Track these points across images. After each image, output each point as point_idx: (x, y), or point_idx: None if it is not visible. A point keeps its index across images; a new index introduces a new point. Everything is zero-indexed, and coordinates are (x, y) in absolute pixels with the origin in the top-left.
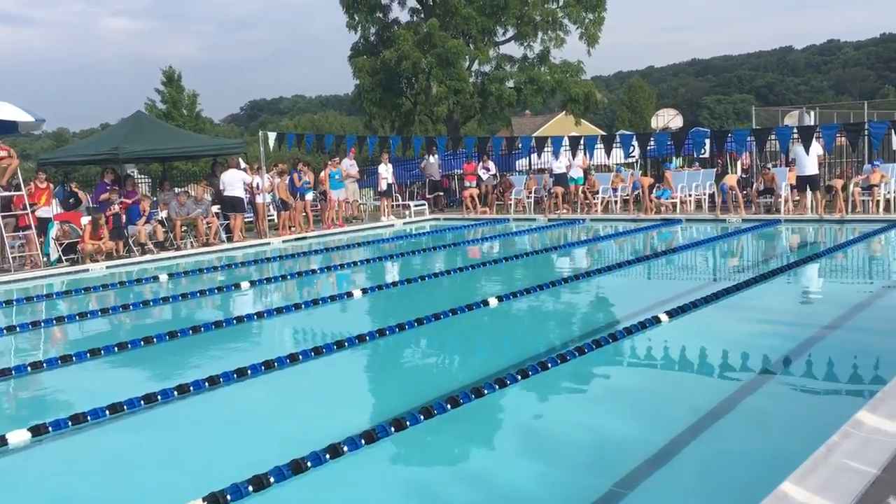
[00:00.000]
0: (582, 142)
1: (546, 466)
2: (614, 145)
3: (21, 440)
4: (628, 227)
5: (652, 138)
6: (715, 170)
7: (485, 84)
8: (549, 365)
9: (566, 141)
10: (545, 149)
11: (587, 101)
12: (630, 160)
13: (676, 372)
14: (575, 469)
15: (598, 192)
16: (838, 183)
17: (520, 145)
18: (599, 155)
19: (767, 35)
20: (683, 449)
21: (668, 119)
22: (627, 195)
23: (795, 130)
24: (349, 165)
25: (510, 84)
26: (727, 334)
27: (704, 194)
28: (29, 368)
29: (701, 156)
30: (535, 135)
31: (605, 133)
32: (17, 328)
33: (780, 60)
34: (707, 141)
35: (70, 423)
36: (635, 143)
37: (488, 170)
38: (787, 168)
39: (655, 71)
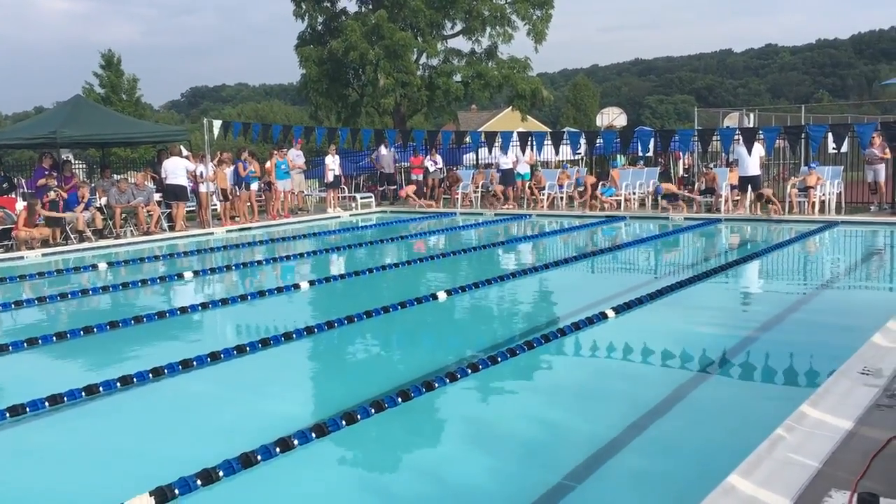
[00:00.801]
0: (531, 138)
1: (496, 460)
2: (562, 142)
3: None
4: (573, 224)
5: (599, 136)
6: (658, 168)
7: (432, 77)
8: (499, 359)
9: (515, 136)
10: (494, 144)
11: (534, 98)
12: (576, 157)
13: (623, 367)
14: (524, 463)
15: (544, 189)
16: (768, 192)
17: (469, 140)
18: (547, 151)
19: (708, 38)
20: (630, 443)
21: (612, 117)
22: (573, 192)
23: (738, 132)
24: (296, 156)
25: (458, 78)
26: (671, 331)
27: (648, 193)
28: None
29: (645, 154)
30: (482, 129)
31: (550, 129)
32: None
33: (719, 63)
34: (652, 140)
35: (8, 415)
36: (583, 140)
37: (436, 163)
38: (728, 168)
39: (600, 69)
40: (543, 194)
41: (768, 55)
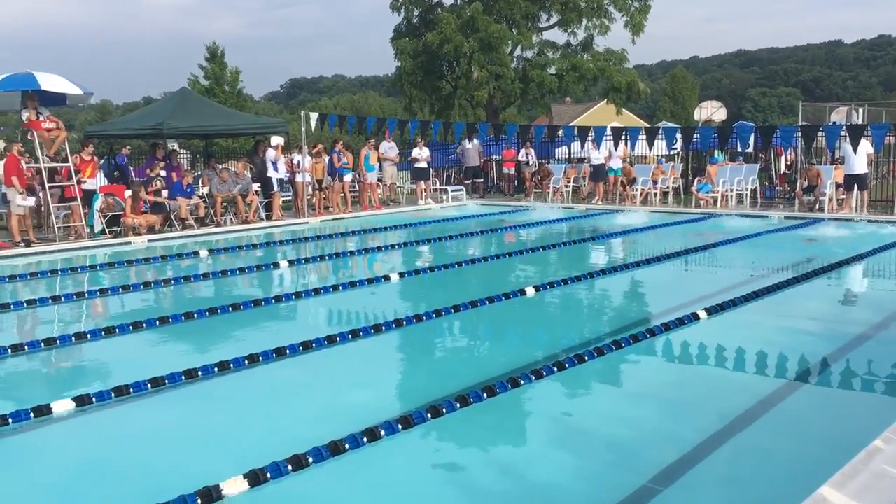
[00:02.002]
0: (625, 133)
1: (579, 459)
2: (657, 137)
3: (65, 409)
4: (667, 220)
5: (697, 131)
6: (758, 165)
7: (526, 70)
8: (586, 358)
9: (609, 131)
10: (588, 138)
11: (629, 91)
12: (672, 152)
13: (714, 370)
14: (608, 463)
15: (635, 181)
16: None
17: (561, 133)
18: (642, 146)
19: (816, 28)
20: (719, 448)
21: (711, 111)
22: (668, 187)
23: (844, 128)
24: (388, 148)
25: (552, 71)
26: (766, 334)
27: (746, 190)
28: (73, 339)
29: (745, 150)
30: (575, 123)
31: (646, 123)
32: (62, 298)
33: (828, 54)
34: (753, 135)
35: (113, 395)
36: (679, 135)
37: (530, 156)
38: (833, 166)
39: (700, 61)
40: (636, 189)
41: (881, 46)
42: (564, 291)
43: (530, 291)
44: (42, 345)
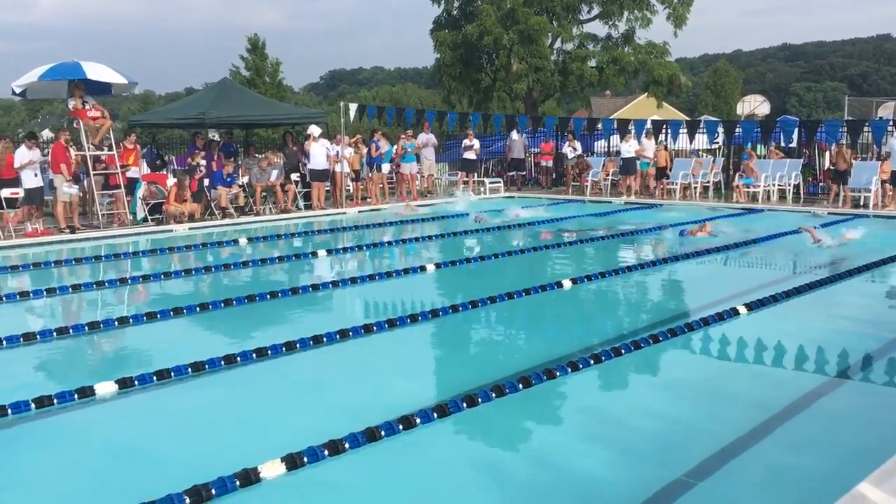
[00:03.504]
0: (666, 126)
1: (614, 452)
2: (699, 131)
3: (108, 392)
4: (707, 215)
5: (739, 125)
6: (802, 160)
7: (566, 62)
8: (623, 351)
9: (649, 124)
10: (627, 130)
11: (671, 84)
12: (714, 146)
13: (752, 366)
14: (643, 457)
15: (666, 175)
16: None
17: (601, 127)
18: (682, 140)
19: (864, 21)
20: (756, 444)
21: (754, 105)
22: (708, 181)
23: (892, 123)
24: (426, 139)
25: (592, 63)
26: (806, 331)
27: (789, 185)
28: (116, 323)
29: (788, 145)
30: (615, 116)
31: (687, 118)
32: (106, 283)
33: (876, 48)
34: (796, 130)
35: (155, 378)
36: (721, 129)
37: (574, 150)
38: (880, 162)
39: (743, 55)
40: (674, 183)
41: None
42: (601, 285)
43: (567, 284)
44: (86, 328)
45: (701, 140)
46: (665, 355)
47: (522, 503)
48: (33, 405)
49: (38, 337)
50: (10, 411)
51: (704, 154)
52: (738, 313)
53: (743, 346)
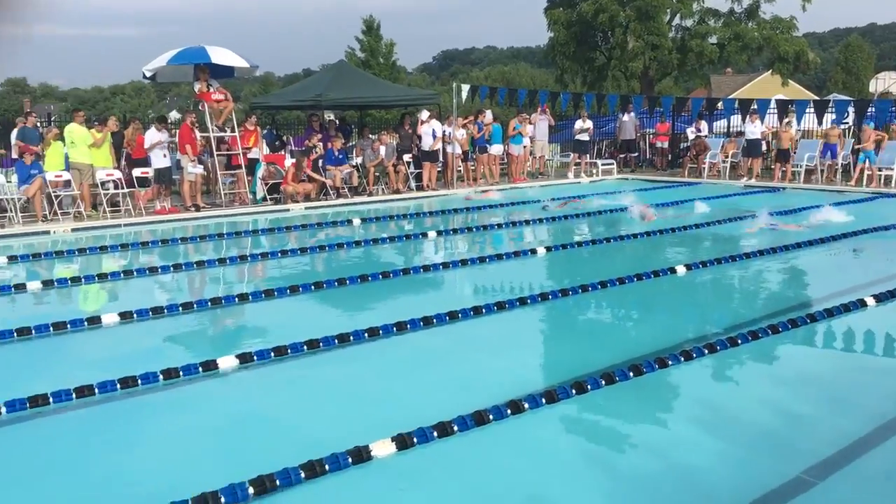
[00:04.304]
0: (791, 106)
1: (728, 445)
2: (828, 110)
3: (230, 365)
4: (832, 200)
5: (872, 104)
6: None
7: (685, 39)
8: (739, 341)
9: (773, 104)
10: (749, 111)
11: (797, 61)
12: (843, 127)
13: (880, 360)
14: (758, 451)
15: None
16: None
17: (721, 106)
18: (809, 120)
19: None
20: (883, 443)
21: (888, 83)
22: (837, 164)
23: None
24: (540, 120)
25: (713, 40)
26: None
27: None
28: (237, 299)
29: None
30: (736, 95)
31: (814, 96)
32: (227, 260)
33: None
34: None
35: (273, 354)
36: (851, 108)
37: (699, 130)
38: None
39: (878, 28)
40: (800, 166)
41: None
42: (718, 272)
43: (681, 270)
44: (209, 304)
45: (829, 121)
46: (785, 347)
47: (630, 492)
48: (161, 376)
49: (165, 311)
50: (139, 382)
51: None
52: (866, 305)
53: (870, 340)
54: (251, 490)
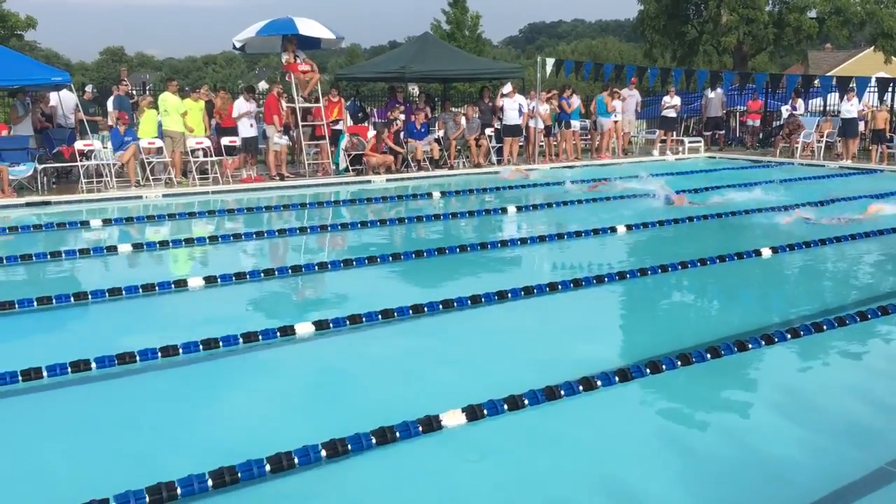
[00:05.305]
0: (893, 84)
1: (809, 432)
2: None
3: (307, 332)
4: None
5: None
6: None
7: (782, 14)
8: (825, 327)
9: (873, 82)
10: (848, 89)
11: None
12: None
13: None
14: (842, 440)
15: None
16: None
17: (817, 84)
18: None
19: None
20: None
21: None
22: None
23: None
24: (629, 95)
25: (812, 14)
26: None
27: None
28: (316, 268)
29: None
30: (834, 73)
31: None
32: (308, 230)
33: None
34: None
35: (348, 323)
36: None
37: (795, 108)
38: None
39: None
40: (894, 147)
41: None
42: (805, 255)
43: (766, 252)
44: (290, 271)
45: None
46: (874, 335)
47: (705, 476)
48: (241, 339)
49: (247, 277)
50: (220, 344)
51: None
52: None
53: None
54: (324, 453)
